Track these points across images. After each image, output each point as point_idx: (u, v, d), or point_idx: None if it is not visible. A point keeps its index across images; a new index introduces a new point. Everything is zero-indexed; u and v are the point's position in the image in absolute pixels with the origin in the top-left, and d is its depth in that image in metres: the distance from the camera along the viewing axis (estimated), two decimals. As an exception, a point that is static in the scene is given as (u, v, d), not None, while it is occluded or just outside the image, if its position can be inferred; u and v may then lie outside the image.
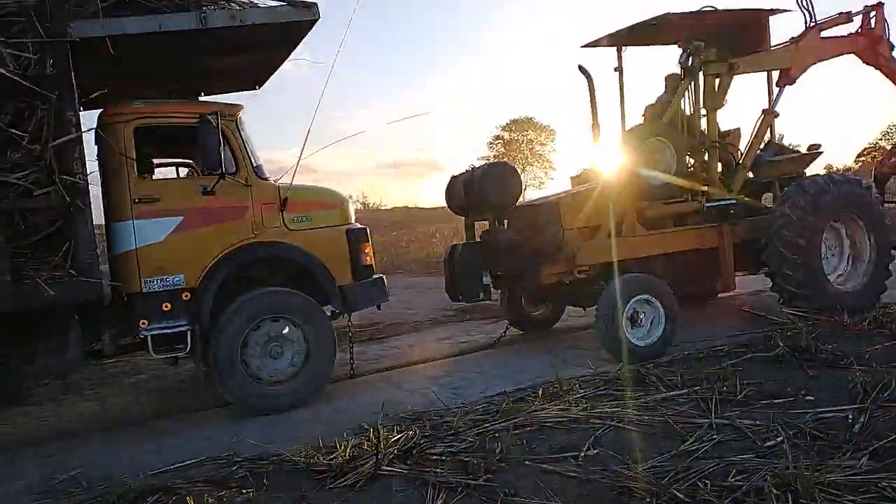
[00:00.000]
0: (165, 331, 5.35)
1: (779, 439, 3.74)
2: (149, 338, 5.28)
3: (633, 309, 6.27)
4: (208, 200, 5.53)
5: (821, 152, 7.95)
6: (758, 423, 4.03)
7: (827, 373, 4.92)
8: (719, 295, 8.39)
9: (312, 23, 5.73)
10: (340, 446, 3.96)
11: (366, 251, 6.11)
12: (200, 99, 6.50)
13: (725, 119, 7.83)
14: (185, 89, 7.01)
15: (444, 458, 3.78)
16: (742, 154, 7.62)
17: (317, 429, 4.81)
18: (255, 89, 7.81)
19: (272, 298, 5.66)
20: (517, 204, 7.01)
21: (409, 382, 6.21)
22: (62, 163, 4.84)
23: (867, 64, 7.94)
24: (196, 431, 5.22)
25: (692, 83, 7.25)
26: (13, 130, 4.72)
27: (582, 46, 8.23)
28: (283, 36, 6.01)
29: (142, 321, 5.32)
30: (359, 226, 6.20)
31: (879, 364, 4.98)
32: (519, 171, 6.49)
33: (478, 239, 7.04)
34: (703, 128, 7.43)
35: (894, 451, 3.47)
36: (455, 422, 4.39)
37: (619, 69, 8.07)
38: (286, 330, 5.68)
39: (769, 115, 7.54)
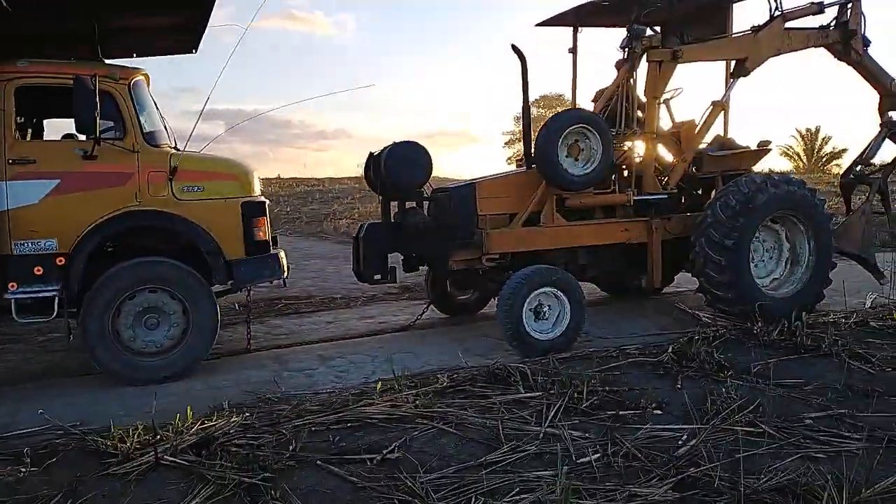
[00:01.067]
0: (32, 295, 5.25)
1: (594, 457, 3.50)
2: (12, 301, 5.19)
3: (539, 301, 6.01)
4: (88, 165, 5.37)
5: (769, 149, 7.51)
6: (587, 436, 3.79)
7: (699, 384, 4.62)
8: (664, 290, 8.03)
9: None
10: (133, 431, 3.80)
11: (259, 226, 5.91)
12: (109, 62, 6.31)
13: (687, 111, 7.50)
14: (120, 50, 6.94)
15: (242, 451, 3.61)
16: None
17: (176, 405, 4.68)
18: (192, 53, 7.67)
19: (149, 268, 5.52)
20: (443, 186, 6.76)
21: (299, 362, 6.04)
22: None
23: (839, 60, 7.46)
24: (52, 398, 5.11)
25: (633, 70, 6.88)
26: None
27: (537, 25, 7.88)
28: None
29: (10, 284, 5.23)
30: (258, 199, 6.01)
31: (761, 379, 4.68)
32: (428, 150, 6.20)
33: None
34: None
35: (703, 481, 3.21)
36: (286, 412, 4.21)
37: (573, 50, 7.71)
38: (163, 302, 5.55)
39: (718, 107, 7.12)
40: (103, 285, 5.36)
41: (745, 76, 7.11)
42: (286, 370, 5.81)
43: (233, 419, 3.99)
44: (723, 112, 7.31)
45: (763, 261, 6.91)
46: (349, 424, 3.96)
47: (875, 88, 7.55)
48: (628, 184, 6.94)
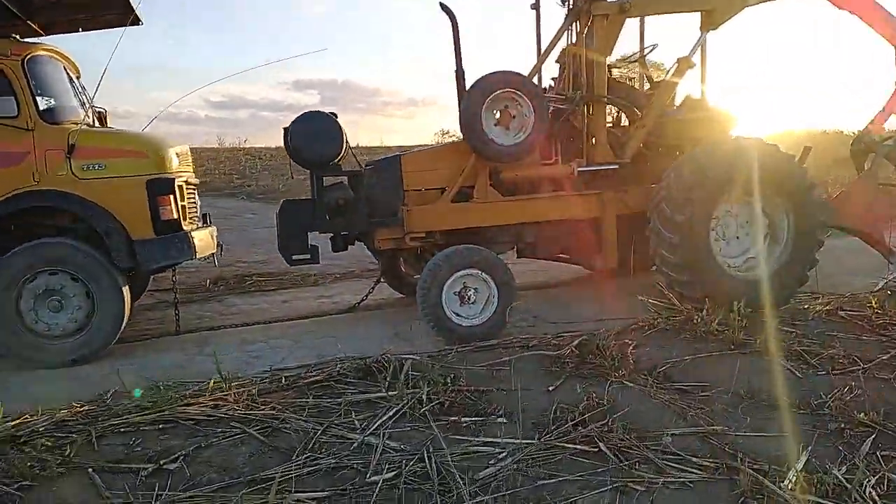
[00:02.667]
0: (-71, 277, 5.24)
1: (387, 475, 3.08)
2: None
3: (463, 284, 5.54)
4: (-19, 144, 5.28)
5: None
6: (403, 447, 3.36)
7: (581, 385, 4.04)
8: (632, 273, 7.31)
9: None
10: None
11: (165, 204, 5.68)
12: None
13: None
14: (63, 25, 6.83)
15: (25, 452, 3.40)
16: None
17: (62, 391, 4.59)
18: (138, 24, 7.47)
19: (47, 250, 5.40)
20: (371, 160, 6.35)
21: (220, 345, 5.76)
22: None
23: (840, 8, 6.46)
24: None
25: (577, 25, 6.18)
26: None
27: None
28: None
29: None
30: (166, 176, 5.76)
31: (659, 381, 4.08)
32: (340, 122, 5.75)
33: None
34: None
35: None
36: (116, 409, 3.98)
37: (536, 6, 7.01)
38: (62, 284, 5.44)
39: (683, 63, 6.30)
40: (1, 267, 5.28)
41: (713, 29, 6.27)
42: (200, 355, 5.59)
43: (43, 416, 3.77)
44: (690, 70, 6.45)
45: (738, 238, 6.14)
46: (161, 426, 3.67)
47: (886, 38, 6.50)
48: (578, 154, 6.28)
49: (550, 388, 4.00)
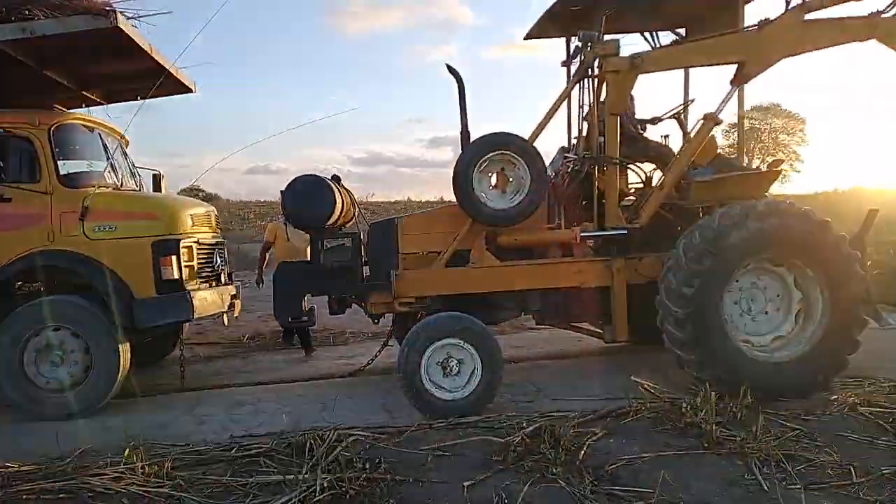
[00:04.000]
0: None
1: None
2: (-73, 337, 5.62)
3: (447, 354, 5.25)
4: (4, 207, 5.70)
5: (781, 171, 5.93)
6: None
7: (509, 482, 3.62)
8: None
9: (117, 30, 5.58)
10: None
11: (166, 265, 5.86)
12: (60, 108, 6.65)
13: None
14: (129, 93, 7.43)
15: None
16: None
17: (46, 444, 4.74)
18: (191, 92, 7.98)
19: (50, 307, 5.68)
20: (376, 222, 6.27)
21: (211, 407, 5.83)
22: None
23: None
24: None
25: (585, 83, 5.86)
26: None
27: (526, 38, 7.05)
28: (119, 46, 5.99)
29: (-65, 319, 5.68)
30: (173, 238, 5.96)
31: (602, 482, 3.58)
32: (329, 185, 5.70)
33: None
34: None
35: None
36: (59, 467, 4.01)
37: (567, 63, 6.79)
38: (63, 340, 5.69)
39: (710, 121, 5.78)
40: (10, 323, 5.61)
41: (744, 82, 5.73)
42: (187, 415, 5.65)
43: None
44: (717, 126, 5.92)
45: (766, 313, 5.46)
46: (61, 496, 3.64)
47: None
48: (588, 217, 5.88)
49: (466, 484, 3.61)
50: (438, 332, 5.20)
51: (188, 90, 7.95)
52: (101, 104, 7.72)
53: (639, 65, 5.57)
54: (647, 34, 6.34)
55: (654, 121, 6.79)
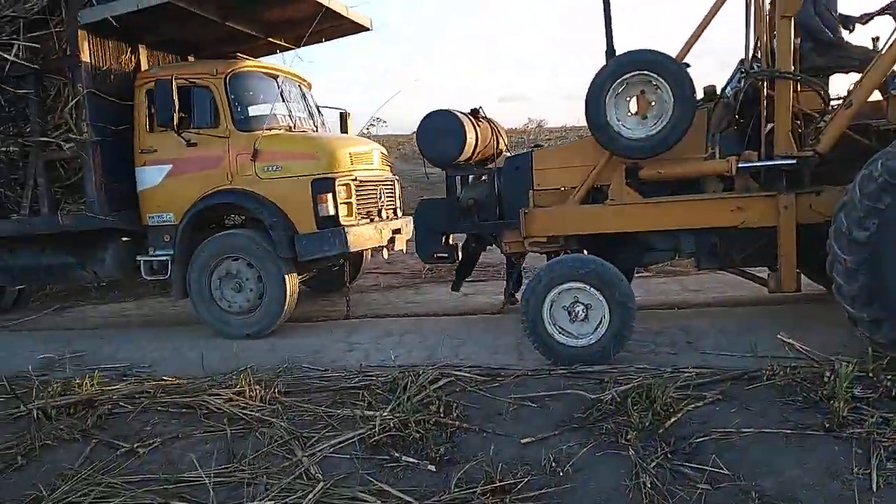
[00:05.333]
0: (160, 258, 6.65)
1: None
2: (142, 263, 6.68)
3: (574, 298, 4.96)
4: (191, 151, 6.47)
5: None
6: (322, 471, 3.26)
7: (554, 441, 3.33)
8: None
9: None
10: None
11: (323, 202, 6.25)
12: (222, 60, 7.19)
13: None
14: (313, 37, 8.02)
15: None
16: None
17: (212, 360, 5.55)
18: (368, 30, 8.28)
19: (228, 240, 6.43)
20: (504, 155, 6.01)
21: (363, 335, 6.17)
22: (76, 123, 6.42)
23: None
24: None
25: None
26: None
27: None
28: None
29: (149, 248, 6.74)
30: (329, 176, 6.31)
31: (641, 452, 3.15)
32: (462, 120, 5.51)
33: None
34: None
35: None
36: (196, 384, 4.60)
37: None
38: (240, 269, 6.39)
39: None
40: (198, 253, 6.46)
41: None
42: (342, 342, 6.07)
43: (122, 388, 4.57)
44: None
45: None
46: (183, 410, 4.16)
47: None
48: (754, 144, 5.01)
49: (524, 441, 3.39)
50: (561, 275, 4.89)
51: (365, 28, 8.21)
52: (291, 48, 8.29)
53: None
54: None
55: (864, 19, 5.52)
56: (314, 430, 3.74)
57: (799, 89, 4.97)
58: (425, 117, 5.59)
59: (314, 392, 4.41)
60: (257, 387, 4.27)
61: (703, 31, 4.96)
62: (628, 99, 4.92)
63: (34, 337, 7.29)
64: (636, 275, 7.49)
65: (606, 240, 5.37)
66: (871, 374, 3.58)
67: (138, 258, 6.73)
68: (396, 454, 3.36)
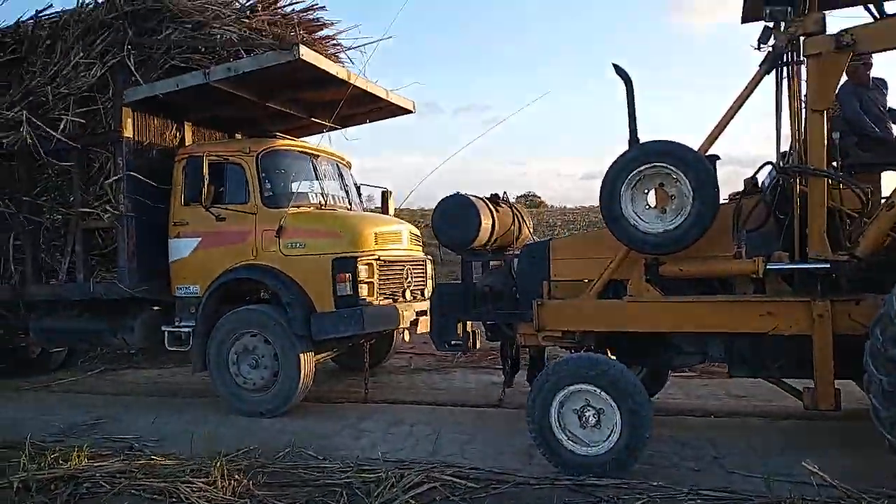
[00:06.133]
0: (180, 329, 6.69)
1: None
2: (166, 333, 6.73)
3: (585, 401, 4.60)
4: (220, 225, 6.57)
5: None
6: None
7: None
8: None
9: (290, 64, 6.07)
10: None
11: (342, 281, 6.18)
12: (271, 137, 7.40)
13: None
14: (358, 118, 8.21)
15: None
16: None
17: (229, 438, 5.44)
18: (411, 112, 8.39)
19: (246, 315, 6.40)
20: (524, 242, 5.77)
21: (375, 423, 5.97)
22: (115, 195, 6.65)
23: None
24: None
25: (781, 73, 4.56)
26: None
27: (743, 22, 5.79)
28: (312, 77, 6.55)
29: (176, 319, 6.81)
30: (351, 255, 6.25)
31: None
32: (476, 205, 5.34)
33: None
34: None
35: None
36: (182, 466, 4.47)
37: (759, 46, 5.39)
38: (257, 345, 6.33)
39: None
40: (218, 327, 6.46)
41: None
42: (351, 428, 5.88)
43: (109, 465, 4.48)
44: None
45: None
46: (156, 495, 4.01)
47: None
48: (786, 245, 4.60)
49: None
50: (570, 375, 4.55)
51: (408, 111, 8.31)
52: (336, 129, 8.45)
53: (849, 43, 4.17)
54: (869, 4, 4.73)
55: None
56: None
57: (841, 187, 4.58)
58: (441, 201, 5.46)
59: (294, 486, 4.18)
60: (233, 478, 4.08)
61: (728, 121, 4.67)
62: (646, 191, 4.65)
63: (65, 400, 7.43)
64: (676, 374, 7.05)
65: (629, 339, 5.01)
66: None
67: (163, 328, 6.78)
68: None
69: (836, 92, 5.57)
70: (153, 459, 4.69)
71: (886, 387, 3.69)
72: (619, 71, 4.91)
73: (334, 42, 7.85)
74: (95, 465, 4.57)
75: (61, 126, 6.64)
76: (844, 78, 5.65)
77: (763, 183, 5.20)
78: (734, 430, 5.29)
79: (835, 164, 4.81)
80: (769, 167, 4.84)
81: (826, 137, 4.41)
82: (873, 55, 4.74)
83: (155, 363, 9.40)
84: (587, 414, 4.53)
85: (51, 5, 7.32)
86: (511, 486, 4.02)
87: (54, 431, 5.96)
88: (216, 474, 4.08)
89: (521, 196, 27.71)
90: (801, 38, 4.37)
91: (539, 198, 27.39)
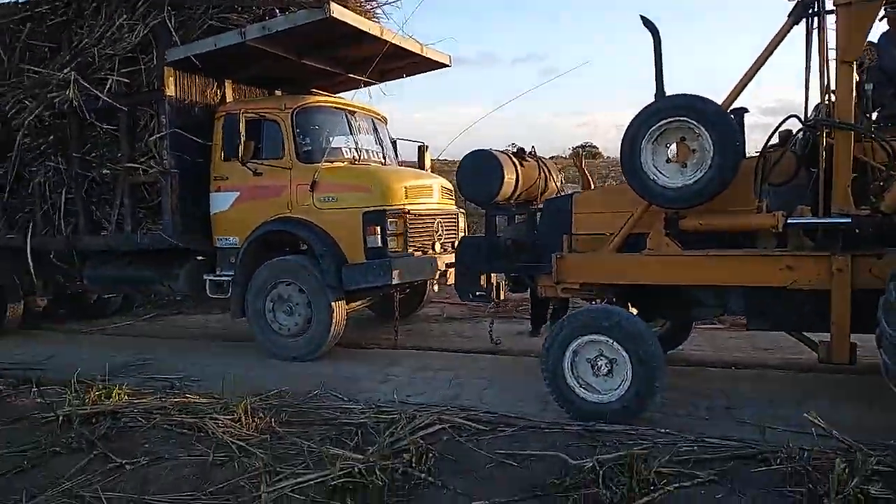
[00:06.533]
0: (225, 278, 7.03)
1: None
2: (207, 281, 7.09)
3: (599, 351, 4.72)
4: (257, 180, 6.82)
5: None
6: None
7: None
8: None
9: (323, 21, 6.18)
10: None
11: (372, 233, 6.38)
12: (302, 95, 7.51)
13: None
14: (392, 73, 8.34)
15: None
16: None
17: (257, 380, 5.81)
18: (447, 66, 8.43)
19: (282, 265, 6.68)
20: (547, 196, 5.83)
21: (401, 367, 6.25)
22: (159, 152, 6.96)
23: None
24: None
25: (810, 25, 4.44)
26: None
27: None
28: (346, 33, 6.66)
29: (217, 268, 7.15)
30: (380, 208, 6.44)
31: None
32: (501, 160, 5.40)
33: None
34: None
35: None
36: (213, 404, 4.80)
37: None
38: (292, 293, 6.62)
39: None
40: (256, 276, 6.77)
41: None
42: (378, 371, 6.17)
43: (147, 402, 4.83)
44: None
45: None
46: (183, 430, 4.33)
47: None
48: (810, 198, 4.55)
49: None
50: (584, 325, 4.66)
51: (444, 65, 8.34)
52: (374, 83, 8.56)
53: (880, -7, 4.06)
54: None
55: None
56: (289, 465, 3.76)
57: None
58: (465, 157, 5.55)
59: (315, 425, 4.44)
60: (257, 415, 4.38)
61: (754, 74, 4.59)
62: (668, 145, 4.64)
63: (118, 343, 7.96)
64: (704, 325, 7.07)
65: (648, 292, 5.07)
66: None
67: (205, 277, 7.14)
68: (350, 501, 3.31)
69: (877, 41, 5.44)
70: (187, 398, 5.03)
71: None
72: (647, 23, 4.85)
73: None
74: (134, 401, 4.95)
75: (107, 86, 6.93)
76: (886, 27, 5.49)
77: (795, 136, 5.11)
78: (752, 382, 5.33)
79: (870, 116, 4.72)
80: (793, 120, 4.76)
81: (855, 90, 4.31)
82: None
83: (203, 309, 9.88)
84: (600, 363, 4.64)
85: (97, -33, 7.56)
86: (518, 430, 4.19)
87: (103, 371, 6.39)
88: (240, 412, 4.37)
89: (578, 146, 27.17)
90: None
91: (596, 148, 26.88)
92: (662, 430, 4.23)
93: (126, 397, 4.96)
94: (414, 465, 3.62)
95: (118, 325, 9.04)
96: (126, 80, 6.98)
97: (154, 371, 6.38)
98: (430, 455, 3.73)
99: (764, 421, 4.41)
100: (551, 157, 22.77)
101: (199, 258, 7.42)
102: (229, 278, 6.95)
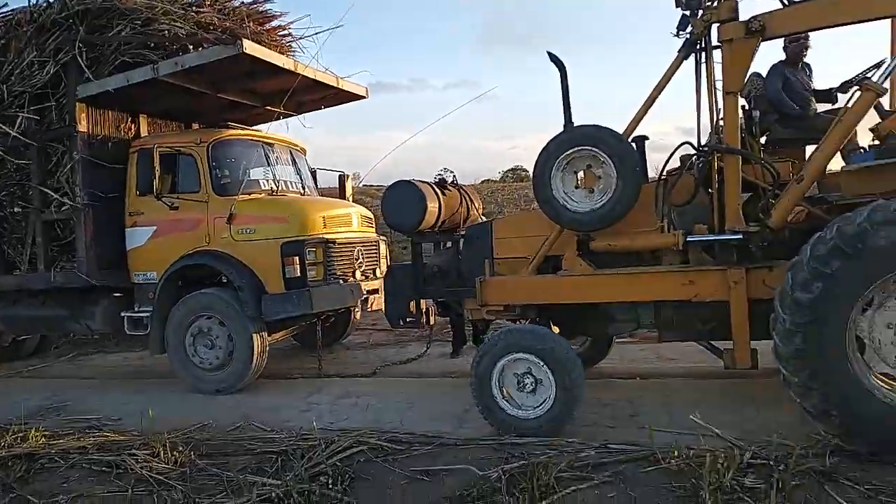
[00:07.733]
0: (139, 314, 6.93)
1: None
2: (126, 318, 6.97)
3: (527, 368, 4.89)
4: (174, 214, 6.80)
5: None
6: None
7: None
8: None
9: (236, 57, 6.25)
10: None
11: (290, 264, 6.44)
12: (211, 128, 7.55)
13: None
14: (310, 105, 8.40)
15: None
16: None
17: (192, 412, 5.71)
18: (364, 98, 8.58)
19: (201, 298, 6.66)
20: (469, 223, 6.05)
21: (324, 395, 6.28)
22: (71, 188, 6.84)
23: None
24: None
25: (697, 59, 4.83)
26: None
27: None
28: (262, 67, 6.74)
29: (135, 305, 7.04)
30: (298, 239, 6.51)
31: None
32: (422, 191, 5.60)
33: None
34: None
35: None
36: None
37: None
38: (211, 327, 6.59)
39: (868, 94, 4.37)
40: (175, 311, 6.72)
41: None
42: (301, 401, 6.18)
43: (64, 443, 4.74)
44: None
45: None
46: (104, 467, 4.27)
47: None
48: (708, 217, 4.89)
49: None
50: (519, 344, 4.84)
51: (360, 97, 8.50)
52: (291, 115, 8.64)
53: (758, 29, 4.44)
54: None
55: (844, 88, 5.45)
56: (208, 495, 3.80)
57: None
58: (388, 188, 5.75)
59: (236, 455, 4.48)
60: (176, 449, 4.36)
61: (650, 105, 4.92)
62: (576, 172, 4.92)
63: (35, 385, 7.68)
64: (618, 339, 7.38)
65: (568, 310, 5.30)
66: (771, 462, 3.39)
67: (122, 314, 7.01)
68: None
69: (766, 72, 5.92)
70: (106, 436, 4.95)
71: (789, 325, 3.96)
72: (554, 58, 5.14)
73: (286, 32, 8.04)
74: (51, 442, 4.87)
75: (17, 123, 6.80)
76: (776, 59, 5.98)
77: (691, 160, 5.48)
78: (655, 391, 5.66)
79: (758, 141, 5.13)
80: (686, 146, 5.12)
81: (743, 117, 4.69)
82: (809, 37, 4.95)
83: (124, 346, 9.63)
84: (526, 381, 4.84)
85: (6, 4, 7.48)
86: (434, 447, 4.31)
87: (20, 414, 6.17)
88: (158, 447, 4.34)
89: (507, 170, 27.89)
90: (715, 25, 4.64)
91: (526, 171, 27.62)
92: (569, 440, 4.46)
93: (43, 439, 4.89)
94: (331, 486, 3.69)
95: (34, 368, 8.71)
96: (36, 118, 6.86)
97: (72, 412, 6.23)
98: (347, 476, 3.82)
99: (661, 425, 4.68)
100: (483, 181, 23.37)
101: (117, 294, 7.30)
102: (148, 314, 6.86)
